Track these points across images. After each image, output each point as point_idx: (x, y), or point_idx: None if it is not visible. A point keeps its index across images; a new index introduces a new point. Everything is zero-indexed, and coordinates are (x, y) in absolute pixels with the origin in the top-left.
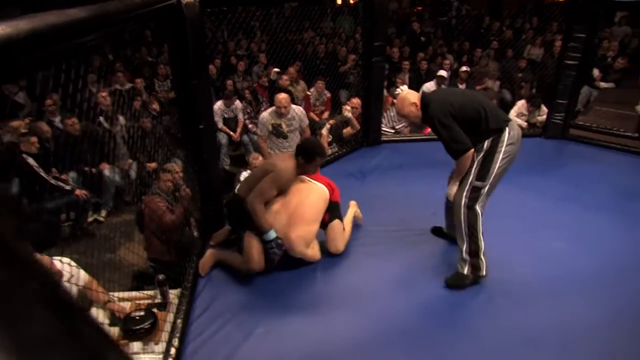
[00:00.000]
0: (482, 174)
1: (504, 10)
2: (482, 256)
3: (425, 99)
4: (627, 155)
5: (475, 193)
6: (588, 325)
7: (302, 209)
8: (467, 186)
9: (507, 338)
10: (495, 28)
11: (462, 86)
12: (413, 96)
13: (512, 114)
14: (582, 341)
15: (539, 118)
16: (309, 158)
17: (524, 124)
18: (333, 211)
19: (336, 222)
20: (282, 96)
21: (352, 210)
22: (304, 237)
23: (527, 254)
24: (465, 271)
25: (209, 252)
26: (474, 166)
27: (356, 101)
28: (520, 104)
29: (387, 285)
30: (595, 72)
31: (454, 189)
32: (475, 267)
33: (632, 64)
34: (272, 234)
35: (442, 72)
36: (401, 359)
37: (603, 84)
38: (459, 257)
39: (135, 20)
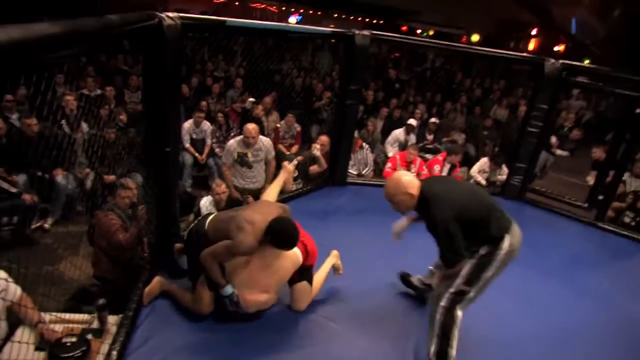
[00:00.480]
0: (472, 280)
1: (474, 69)
2: None
3: (426, 192)
4: (577, 224)
5: (459, 297)
6: None
7: (263, 274)
8: (453, 288)
9: None
10: (466, 85)
11: (430, 137)
12: (410, 184)
13: (475, 170)
14: None
15: (500, 177)
16: (275, 244)
17: (484, 182)
18: (303, 274)
19: (303, 284)
20: (252, 126)
21: (330, 262)
22: (259, 303)
23: (474, 315)
24: None
25: (157, 280)
26: (465, 269)
27: (324, 139)
28: (484, 162)
29: (333, 336)
30: (553, 139)
31: (439, 286)
32: None
33: (585, 134)
34: (229, 290)
35: (412, 121)
36: None
37: (559, 152)
38: (425, 357)
39: (112, 38)
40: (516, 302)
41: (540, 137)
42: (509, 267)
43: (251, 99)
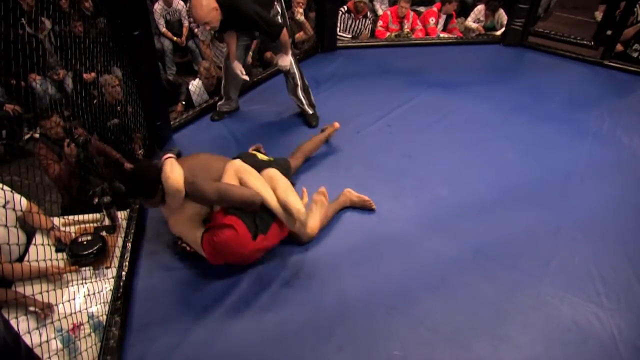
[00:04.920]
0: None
1: None
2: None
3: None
4: (582, 65)
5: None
6: (533, 236)
7: None
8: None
9: (458, 251)
10: None
11: None
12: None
13: (470, 19)
14: (526, 251)
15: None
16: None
17: (482, 30)
18: None
19: None
20: None
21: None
22: None
23: (478, 166)
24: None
25: None
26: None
27: None
28: (479, 9)
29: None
30: None
31: (287, 59)
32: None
33: None
34: None
35: None
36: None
37: None
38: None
39: None
40: (518, 151)
41: None
42: (508, 117)
43: None
